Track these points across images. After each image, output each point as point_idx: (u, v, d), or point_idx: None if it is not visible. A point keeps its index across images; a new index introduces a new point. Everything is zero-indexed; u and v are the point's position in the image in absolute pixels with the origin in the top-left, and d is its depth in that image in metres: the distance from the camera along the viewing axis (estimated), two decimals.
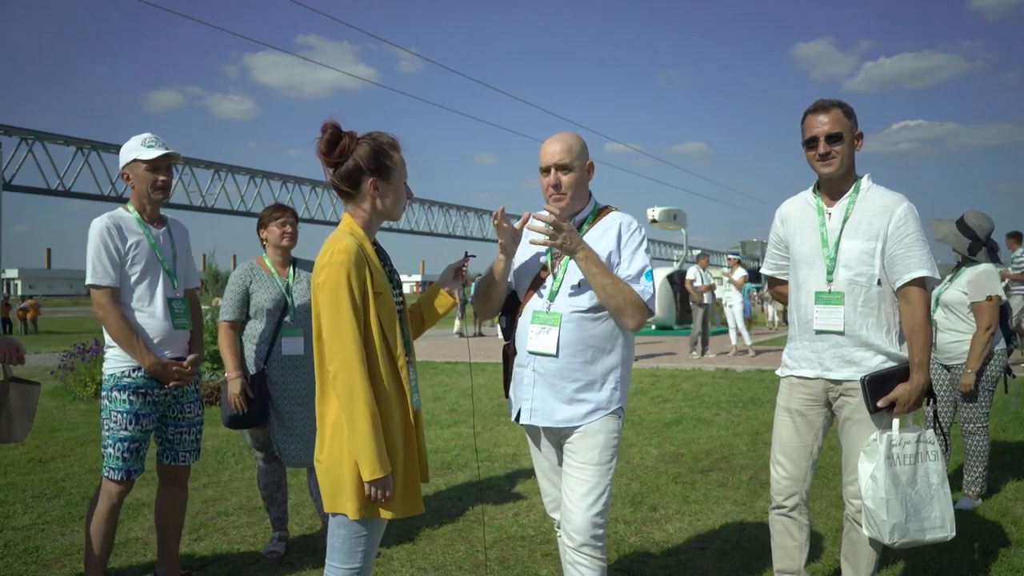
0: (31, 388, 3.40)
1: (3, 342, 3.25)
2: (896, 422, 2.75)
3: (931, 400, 2.87)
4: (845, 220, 2.84)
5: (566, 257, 2.60)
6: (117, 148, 3.34)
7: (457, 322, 21.49)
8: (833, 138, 2.79)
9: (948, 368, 4.64)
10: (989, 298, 4.40)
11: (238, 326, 3.88)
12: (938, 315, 4.57)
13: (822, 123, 2.81)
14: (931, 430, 2.84)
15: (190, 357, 3.32)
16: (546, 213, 2.47)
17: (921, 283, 2.74)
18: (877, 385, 2.74)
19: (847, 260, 2.81)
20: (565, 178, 2.60)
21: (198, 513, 4.64)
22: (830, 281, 2.85)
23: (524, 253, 2.75)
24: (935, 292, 4.62)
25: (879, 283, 2.79)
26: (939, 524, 2.76)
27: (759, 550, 3.73)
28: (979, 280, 4.43)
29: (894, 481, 2.70)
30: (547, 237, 2.48)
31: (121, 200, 36.26)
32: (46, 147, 32.72)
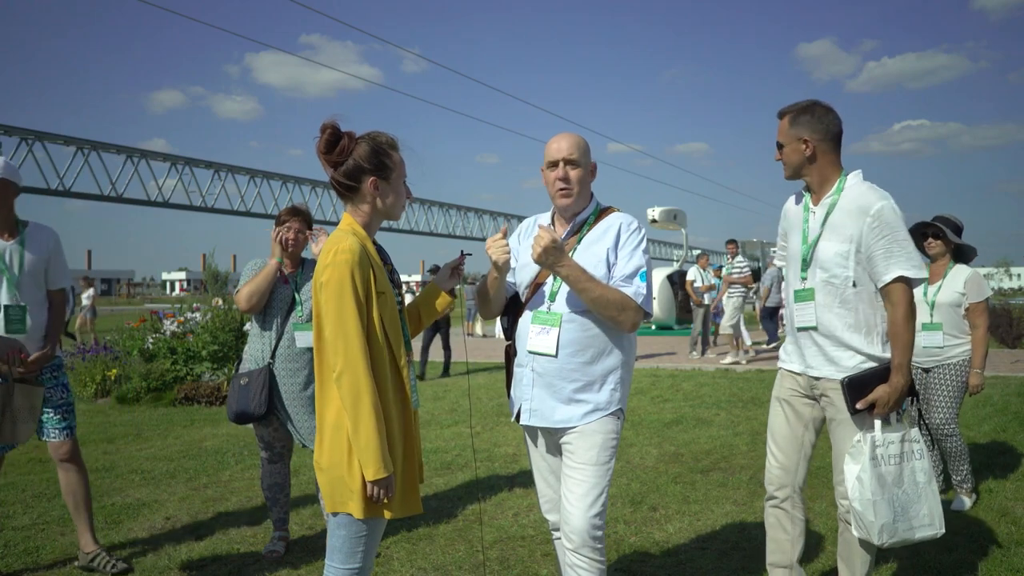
0: (36, 389, 3.40)
1: (7, 343, 3.26)
2: (879, 423, 2.74)
3: (915, 400, 2.87)
4: (825, 220, 2.86)
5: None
6: (117, 148, 3.41)
7: (478, 325, 21.01)
8: (779, 146, 2.92)
9: (927, 371, 4.60)
10: (987, 299, 4.50)
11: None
12: (934, 317, 4.55)
13: (778, 131, 2.93)
14: (916, 429, 2.84)
15: (35, 355, 3.56)
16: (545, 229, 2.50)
17: (903, 282, 2.72)
18: (857, 387, 2.75)
19: (823, 261, 2.85)
20: (573, 173, 2.62)
21: (198, 513, 4.64)
22: (804, 279, 2.90)
23: (526, 254, 2.75)
24: (924, 296, 4.58)
25: (854, 284, 2.78)
26: (928, 522, 2.76)
27: (759, 550, 3.73)
28: (977, 282, 4.50)
29: (880, 482, 2.70)
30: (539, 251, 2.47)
31: (120, 200, 36.42)
32: (46, 147, 32.75)
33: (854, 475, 2.74)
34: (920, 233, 4.63)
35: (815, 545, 3.84)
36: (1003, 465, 5.43)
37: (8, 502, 4.94)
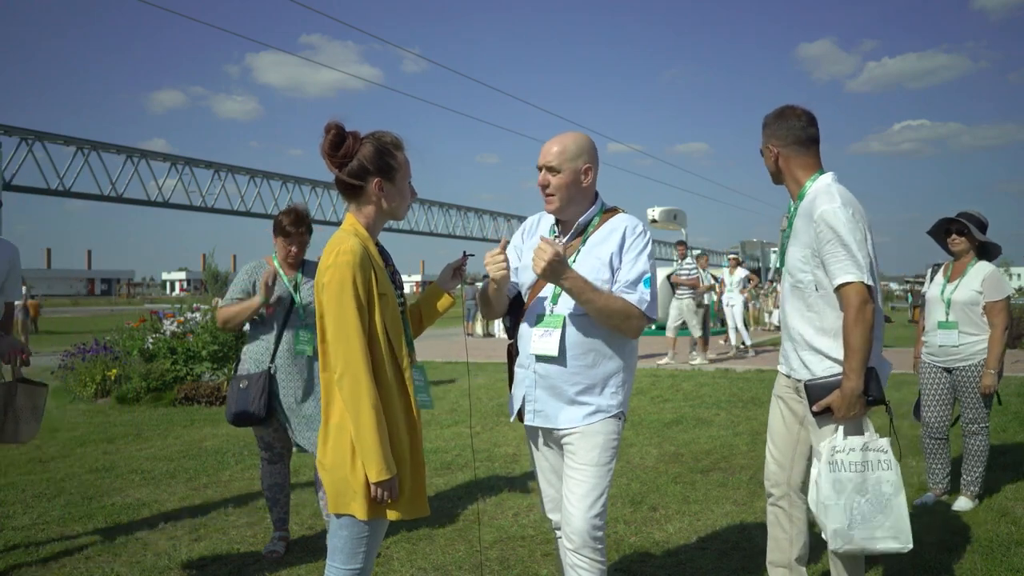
0: (38, 389, 3.40)
1: (9, 343, 3.26)
2: (841, 428, 2.71)
3: (888, 409, 2.81)
4: (791, 224, 2.90)
5: (570, 259, 2.60)
6: (117, 148, 3.40)
7: (478, 325, 20.94)
8: (760, 153, 3.00)
9: (949, 371, 4.58)
10: (1007, 297, 4.42)
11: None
12: (950, 316, 4.51)
13: None
14: (885, 439, 2.73)
15: None
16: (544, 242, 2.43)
17: (853, 287, 2.63)
18: (817, 392, 2.74)
19: (789, 266, 2.88)
20: (553, 180, 2.58)
21: (198, 513, 4.64)
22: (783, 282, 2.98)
23: (528, 255, 2.74)
24: (942, 294, 4.56)
25: (816, 288, 2.77)
26: (892, 535, 2.66)
27: (759, 550, 3.73)
28: (996, 279, 4.42)
29: (835, 487, 2.67)
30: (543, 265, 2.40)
31: (120, 200, 36.37)
32: (46, 147, 32.72)
33: (814, 477, 2.75)
34: (944, 230, 4.59)
35: (820, 545, 3.83)
36: (1003, 465, 5.43)
37: (8, 502, 4.94)
